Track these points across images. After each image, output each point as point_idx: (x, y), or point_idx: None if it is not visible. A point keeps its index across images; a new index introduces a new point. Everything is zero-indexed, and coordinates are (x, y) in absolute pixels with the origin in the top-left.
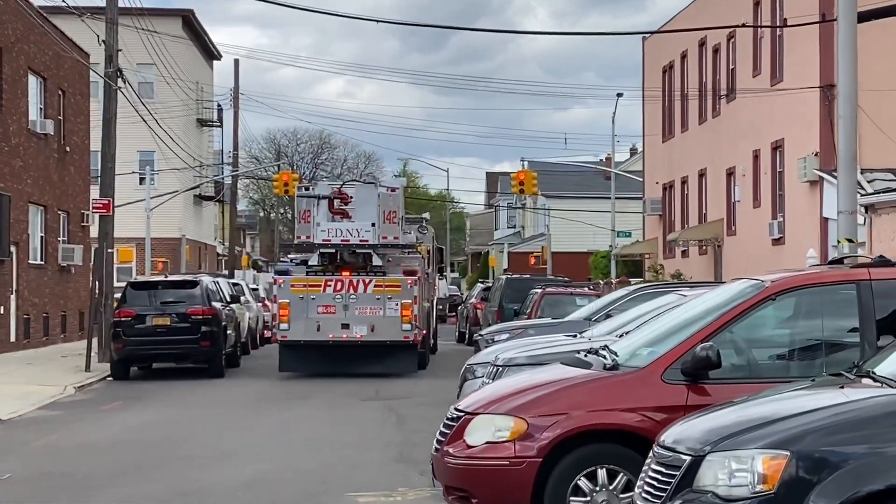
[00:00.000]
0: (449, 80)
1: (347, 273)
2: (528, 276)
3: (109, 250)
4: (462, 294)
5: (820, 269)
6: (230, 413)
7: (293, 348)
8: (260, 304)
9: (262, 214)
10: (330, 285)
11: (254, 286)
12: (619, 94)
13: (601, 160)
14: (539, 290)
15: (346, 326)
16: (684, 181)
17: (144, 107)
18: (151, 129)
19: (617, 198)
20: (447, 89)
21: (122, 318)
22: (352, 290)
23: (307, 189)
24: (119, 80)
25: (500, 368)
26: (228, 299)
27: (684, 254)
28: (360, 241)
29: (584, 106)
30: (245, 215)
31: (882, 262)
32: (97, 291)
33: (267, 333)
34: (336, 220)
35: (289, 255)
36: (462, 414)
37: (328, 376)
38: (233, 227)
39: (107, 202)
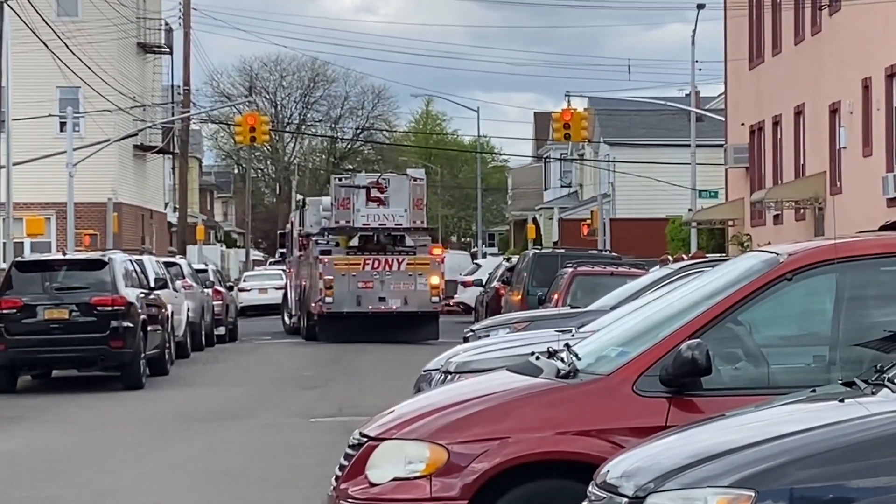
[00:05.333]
0: None
1: (384, 253)
2: (563, 250)
3: None
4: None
5: (860, 237)
6: (134, 437)
7: (336, 319)
8: (209, 292)
9: (236, 171)
10: (369, 263)
11: (201, 267)
12: (701, 6)
13: (686, 95)
14: (568, 270)
15: (382, 299)
16: (776, 122)
17: (51, 28)
18: (78, 58)
19: (703, 145)
20: (499, 3)
21: (5, 310)
22: (387, 268)
23: (340, 180)
24: None
25: (451, 376)
26: (153, 284)
27: (776, 219)
28: (395, 224)
29: (684, 21)
30: (215, 172)
31: None
32: None
33: (220, 330)
34: (373, 207)
35: (317, 238)
36: (366, 440)
37: (292, 384)
38: (183, 187)
39: None
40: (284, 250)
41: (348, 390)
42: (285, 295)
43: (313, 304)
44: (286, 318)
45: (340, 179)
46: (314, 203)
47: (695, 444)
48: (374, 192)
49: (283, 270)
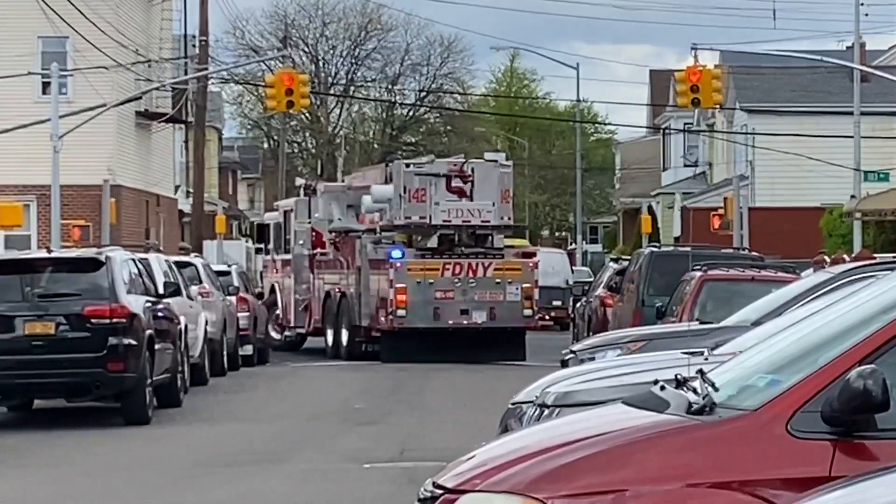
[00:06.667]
0: None
1: (466, 256)
2: (688, 248)
3: None
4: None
5: None
6: (137, 486)
7: (408, 336)
8: (233, 300)
9: (266, 145)
10: (448, 268)
11: (222, 267)
12: None
13: (847, 48)
14: (696, 275)
15: (465, 312)
16: None
17: None
18: None
19: (870, 112)
20: None
21: None
22: (471, 274)
23: (408, 166)
24: None
25: (549, 410)
26: (161, 290)
27: None
28: (482, 221)
29: None
30: (239, 147)
31: None
32: None
33: (246, 350)
34: (455, 200)
35: (378, 237)
36: (441, 492)
37: (340, 419)
38: (199, 166)
39: None
40: (262, 246)
41: (413, 427)
42: (273, 301)
43: (382, 319)
44: (272, 333)
45: (408, 165)
46: (332, 190)
47: (869, 502)
48: (456, 182)
49: (265, 270)
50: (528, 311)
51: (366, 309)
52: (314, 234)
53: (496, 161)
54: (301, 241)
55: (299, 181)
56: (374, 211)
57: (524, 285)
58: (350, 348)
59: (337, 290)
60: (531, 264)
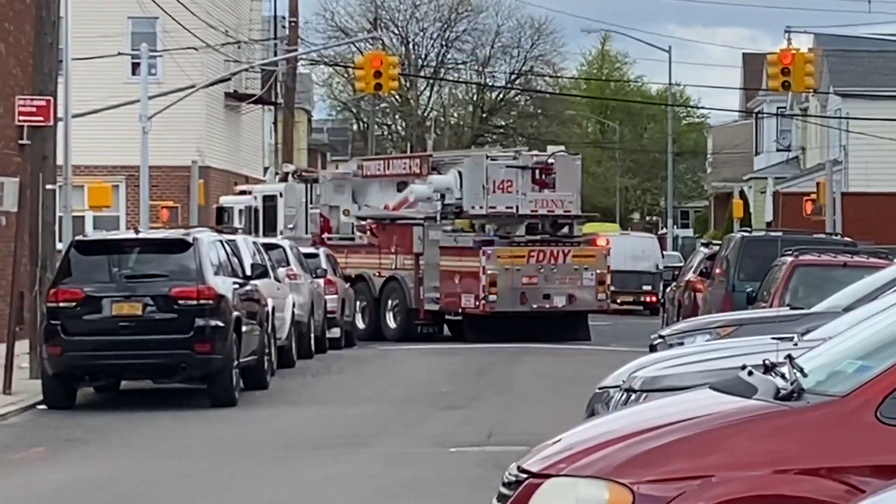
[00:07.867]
0: None
1: (548, 244)
2: (779, 233)
3: (50, 186)
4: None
5: None
6: (224, 469)
7: (493, 319)
8: (321, 283)
9: (356, 127)
10: (533, 256)
11: (310, 250)
12: None
13: None
14: (788, 260)
15: (546, 297)
16: None
17: None
18: None
19: None
20: None
21: (62, 304)
22: (552, 261)
23: (488, 158)
24: None
25: (636, 395)
26: (249, 272)
27: None
28: (565, 211)
29: None
30: (328, 129)
31: None
32: (32, 259)
33: (334, 332)
34: (539, 191)
35: (442, 226)
36: (526, 476)
37: (426, 403)
38: (288, 148)
39: (44, 104)
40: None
41: (499, 411)
42: None
43: (472, 302)
44: None
45: (487, 157)
46: (338, 177)
47: None
48: (540, 175)
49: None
50: (601, 296)
51: (432, 293)
52: (322, 219)
53: (578, 154)
54: (291, 226)
55: (288, 167)
56: (426, 199)
57: (598, 271)
58: (403, 330)
59: (377, 273)
60: (605, 251)
